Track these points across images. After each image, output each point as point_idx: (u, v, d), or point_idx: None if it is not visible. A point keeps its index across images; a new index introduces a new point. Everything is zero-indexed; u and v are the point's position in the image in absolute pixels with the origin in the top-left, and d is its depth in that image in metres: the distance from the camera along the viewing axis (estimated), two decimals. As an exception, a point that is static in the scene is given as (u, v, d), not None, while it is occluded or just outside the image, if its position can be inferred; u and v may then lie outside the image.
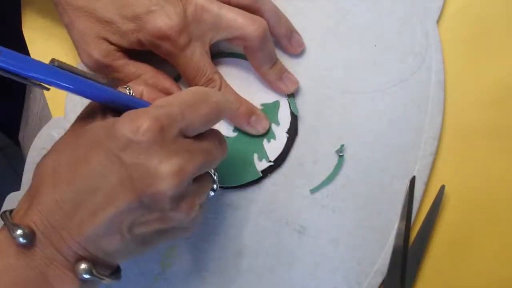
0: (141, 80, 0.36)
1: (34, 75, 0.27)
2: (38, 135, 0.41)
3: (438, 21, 0.42)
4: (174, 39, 0.35)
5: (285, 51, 0.41)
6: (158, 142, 0.27)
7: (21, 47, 0.43)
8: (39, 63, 0.27)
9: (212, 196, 0.40)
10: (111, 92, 0.30)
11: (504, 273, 0.39)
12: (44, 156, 0.30)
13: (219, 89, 0.38)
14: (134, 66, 0.37)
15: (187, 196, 0.29)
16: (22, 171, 0.41)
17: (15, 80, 0.47)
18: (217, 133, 0.33)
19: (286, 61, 0.41)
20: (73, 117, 0.41)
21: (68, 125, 0.41)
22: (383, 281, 0.39)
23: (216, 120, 0.31)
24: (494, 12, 0.42)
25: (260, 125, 0.39)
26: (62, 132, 0.41)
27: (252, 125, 0.39)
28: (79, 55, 0.37)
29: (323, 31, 0.42)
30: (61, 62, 0.28)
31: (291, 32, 0.40)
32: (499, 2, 0.42)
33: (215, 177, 0.34)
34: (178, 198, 0.29)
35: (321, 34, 0.42)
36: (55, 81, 0.28)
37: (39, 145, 0.41)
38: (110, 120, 0.29)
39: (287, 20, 0.40)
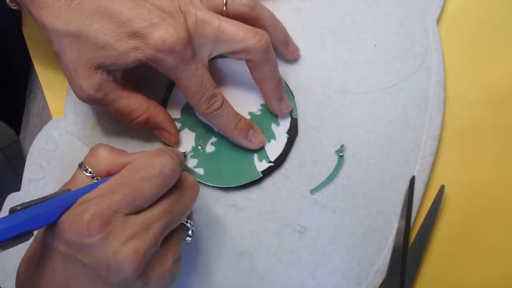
0: (102, 156, 0.33)
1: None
2: (38, 136, 0.41)
3: (438, 21, 0.42)
4: (180, 52, 0.33)
5: (282, 56, 0.41)
6: (107, 235, 0.28)
7: (22, 49, 0.43)
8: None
9: (213, 196, 0.40)
10: (59, 204, 0.29)
11: (504, 273, 0.39)
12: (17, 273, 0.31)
13: (221, 105, 0.37)
14: (123, 101, 0.36)
15: (157, 263, 0.30)
16: (22, 171, 0.41)
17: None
18: (181, 181, 0.32)
19: (286, 62, 0.41)
20: (73, 117, 0.41)
21: (68, 126, 0.41)
22: (383, 281, 0.39)
23: (167, 188, 0.31)
24: (494, 12, 0.42)
25: (256, 139, 0.39)
26: (62, 133, 0.41)
27: (249, 140, 0.39)
28: (71, 86, 0.35)
29: (323, 31, 0.42)
30: (14, 208, 0.28)
31: (288, 37, 0.40)
32: (499, 2, 0.42)
33: (188, 225, 0.34)
34: (147, 272, 0.30)
35: (321, 34, 0.42)
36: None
37: (39, 145, 0.41)
38: (58, 225, 0.29)
39: (283, 27, 0.40)
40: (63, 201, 0.29)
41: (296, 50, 0.41)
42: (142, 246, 0.29)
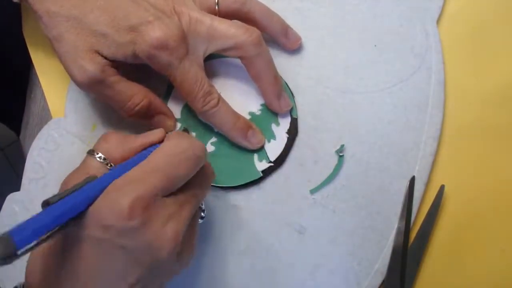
0: (115, 141, 0.34)
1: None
2: (38, 136, 0.41)
3: (438, 21, 0.42)
4: (174, 48, 0.34)
5: (284, 48, 0.41)
6: (148, 218, 0.28)
7: (22, 49, 0.43)
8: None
9: (213, 196, 0.40)
10: (89, 193, 0.29)
11: (504, 273, 0.39)
12: (33, 264, 0.30)
13: (218, 103, 0.37)
14: (126, 85, 0.36)
15: (187, 242, 0.31)
16: (22, 171, 0.41)
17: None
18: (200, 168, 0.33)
19: (286, 62, 0.41)
20: (73, 117, 0.41)
21: (68, 126, 0.41)
22: (383, 281, 0.39)
23: (197, 169, 0.32)
24: (494, 12, 0.42)
25: (255, 139, 0.39)
26: (62, 133, 0.41)
27: (248, 140, 0.39)
28: (70, 70, 0.35)
29: (323, 31, 0.42)
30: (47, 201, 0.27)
31: (286, 27, 0.40)
32: (498, 2, 0.42)
33: (203, 207, 0.35)
34: (181, 251, 0.30)
35: (321, 34, 0.42)
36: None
37: (39, 145, 0.41)
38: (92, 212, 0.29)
39: (279, 18, 0.40)
40: (92, 189, 0.29)
41: (297, 39, 0.41)
42: (179, 227, 0.30)
